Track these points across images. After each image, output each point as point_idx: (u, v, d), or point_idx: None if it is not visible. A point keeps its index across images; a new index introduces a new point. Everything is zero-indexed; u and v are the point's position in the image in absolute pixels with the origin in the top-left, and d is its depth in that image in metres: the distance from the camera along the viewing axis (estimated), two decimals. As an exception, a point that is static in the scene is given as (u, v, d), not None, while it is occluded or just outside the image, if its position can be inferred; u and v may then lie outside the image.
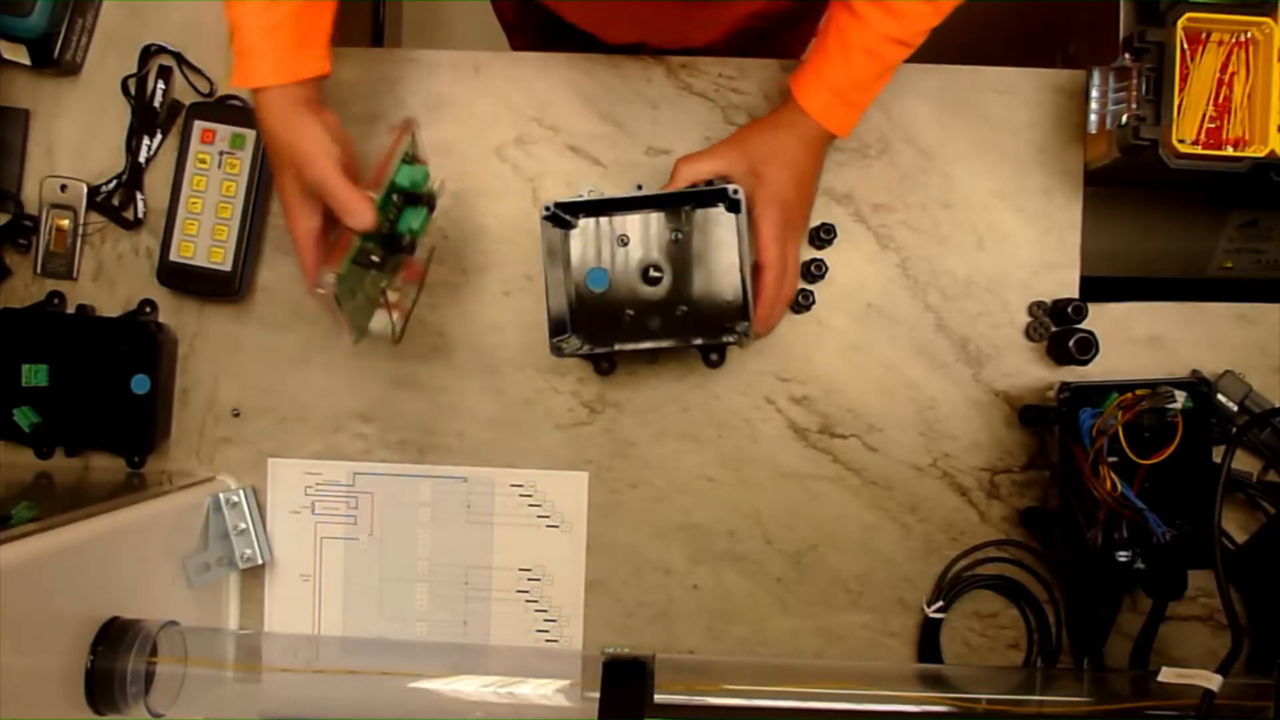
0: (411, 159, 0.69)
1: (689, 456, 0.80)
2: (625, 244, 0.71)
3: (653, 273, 0.71)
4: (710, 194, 0.69)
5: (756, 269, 0.71)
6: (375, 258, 0.66)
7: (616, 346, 0.71)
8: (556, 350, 0.70)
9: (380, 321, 0.73)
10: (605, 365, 0.78)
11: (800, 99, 0.71)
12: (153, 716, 0.63)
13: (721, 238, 0.70)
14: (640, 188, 0.73)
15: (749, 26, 0.81)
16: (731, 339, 0.72)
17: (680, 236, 0.71)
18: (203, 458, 0.81)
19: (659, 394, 0.80)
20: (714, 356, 0.77)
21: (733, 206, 0.69)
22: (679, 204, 0.71)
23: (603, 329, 0.71)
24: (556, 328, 0.70)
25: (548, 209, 0.69)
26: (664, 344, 0.71)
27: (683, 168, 0.71)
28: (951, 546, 0.80)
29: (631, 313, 0.71)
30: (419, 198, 0.69)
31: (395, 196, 0.68)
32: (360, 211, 0.63)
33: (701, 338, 0.72)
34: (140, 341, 0.77)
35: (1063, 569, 0.77)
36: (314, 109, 0.65)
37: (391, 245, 0.68)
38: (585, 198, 0.70)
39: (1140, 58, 0.72)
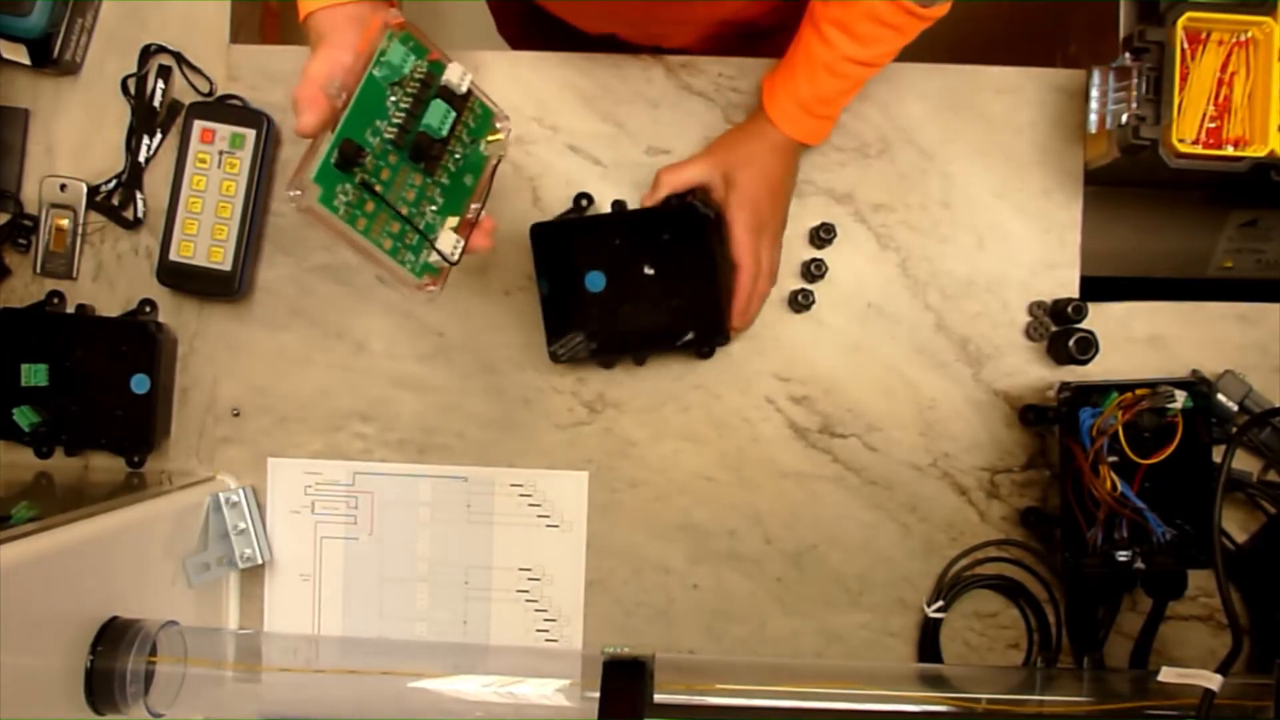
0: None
1: (689, 456, 0.80)
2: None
3: (646, 269, 0.76)
4: (680, 213, 0.74)
5: (734, 269, 0.74)
6: (362, 160, 0.57)
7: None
8: (554, 356, 0.76)
9: (447, 241, 0.63)
10: (609, 359, 0.80)
11: (769, 110, 0.74)
12: (152, 716, 0.63)
13: (705, 245, 0.75)
14: (617, 205, 0.78)
15: (723, 33, 0.81)
16: (706, 348, 0.78)
17: (668, 238, 0.76)
18: (203, 457, 0.81)
19: (659, 394, 0.80)
20: (705, 349, 0.79)
21: (701, 222, 0.74)
22: (653, 224, 0.75)
23: (603, 328, 0.76)
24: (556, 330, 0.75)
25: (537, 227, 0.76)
26: (659, 345, 0.77)
27: (664, 177, 0.74)
28: (951, 546, 0.80)
29: (629, 309, 0.76)
30: (446, 94, 0.61)
31: (399, 94, 0.60)
32: (302, 107, 0.57)
33: (692, 333, 0.76)
34: (140, 341, 0.77)
35: (1063, 569, 0.77)
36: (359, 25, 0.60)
37: (417, 152, 0.60)
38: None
39: (1140, 57, 0.72)
